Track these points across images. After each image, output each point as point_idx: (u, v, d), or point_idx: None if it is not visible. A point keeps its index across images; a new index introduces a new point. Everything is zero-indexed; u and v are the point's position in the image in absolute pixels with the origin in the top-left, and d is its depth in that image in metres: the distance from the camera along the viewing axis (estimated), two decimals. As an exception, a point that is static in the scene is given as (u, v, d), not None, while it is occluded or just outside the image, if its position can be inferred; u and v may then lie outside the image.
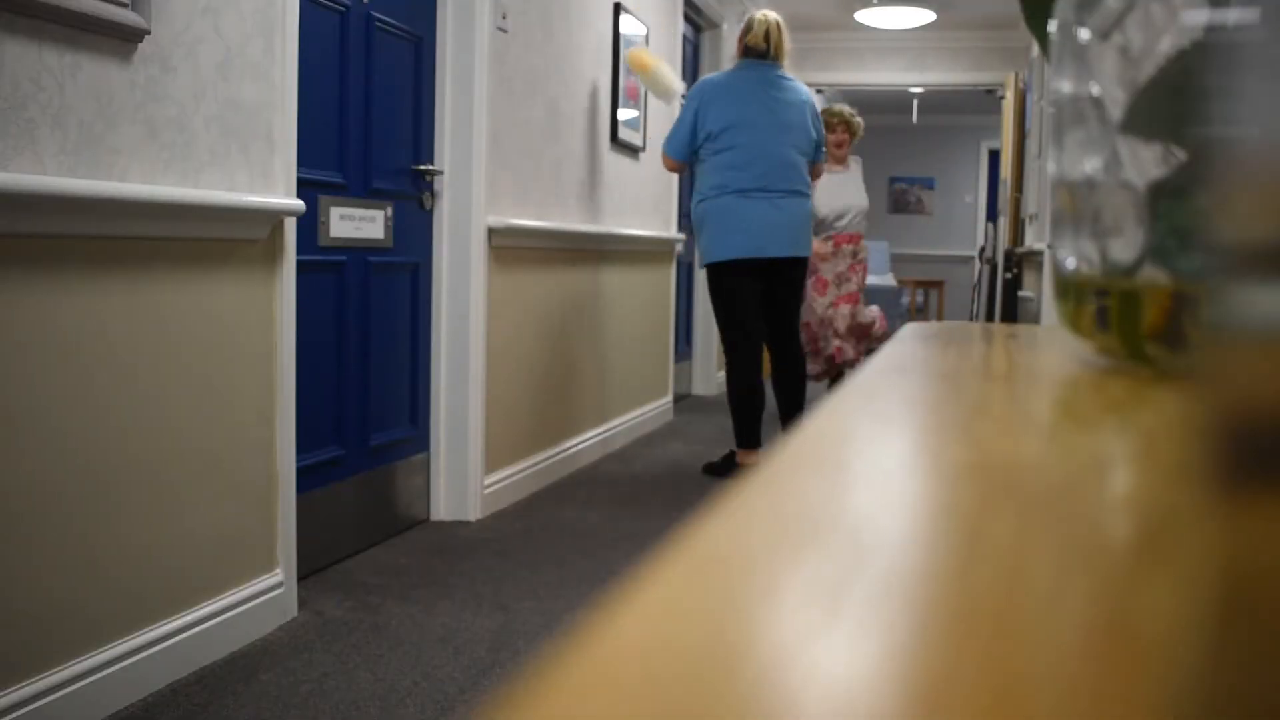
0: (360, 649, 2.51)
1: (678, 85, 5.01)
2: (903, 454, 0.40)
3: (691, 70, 6.87)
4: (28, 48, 1.89)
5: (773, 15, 4.38)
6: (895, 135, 12.02)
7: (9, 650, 1.91)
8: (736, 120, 4.21)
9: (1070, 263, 0.54)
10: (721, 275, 4.28)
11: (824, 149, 4.56)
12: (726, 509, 0.28)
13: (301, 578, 2.85)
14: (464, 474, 3.69)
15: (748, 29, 4.37)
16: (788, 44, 4.39)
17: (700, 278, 7.18)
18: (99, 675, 2.09)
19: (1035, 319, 6.26)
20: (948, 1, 7.72)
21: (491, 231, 3.73)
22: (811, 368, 5.96)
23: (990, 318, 7.30)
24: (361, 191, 3.21)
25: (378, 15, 3.21)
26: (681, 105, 4.49)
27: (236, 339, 2.47)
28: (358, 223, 3.18)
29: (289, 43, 2.61)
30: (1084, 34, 0.51)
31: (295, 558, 2.73)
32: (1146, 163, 0.49)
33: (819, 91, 10.34)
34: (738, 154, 4.21)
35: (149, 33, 2.14)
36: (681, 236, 6.25)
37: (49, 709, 1.97)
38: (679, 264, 6.47)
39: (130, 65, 2.13)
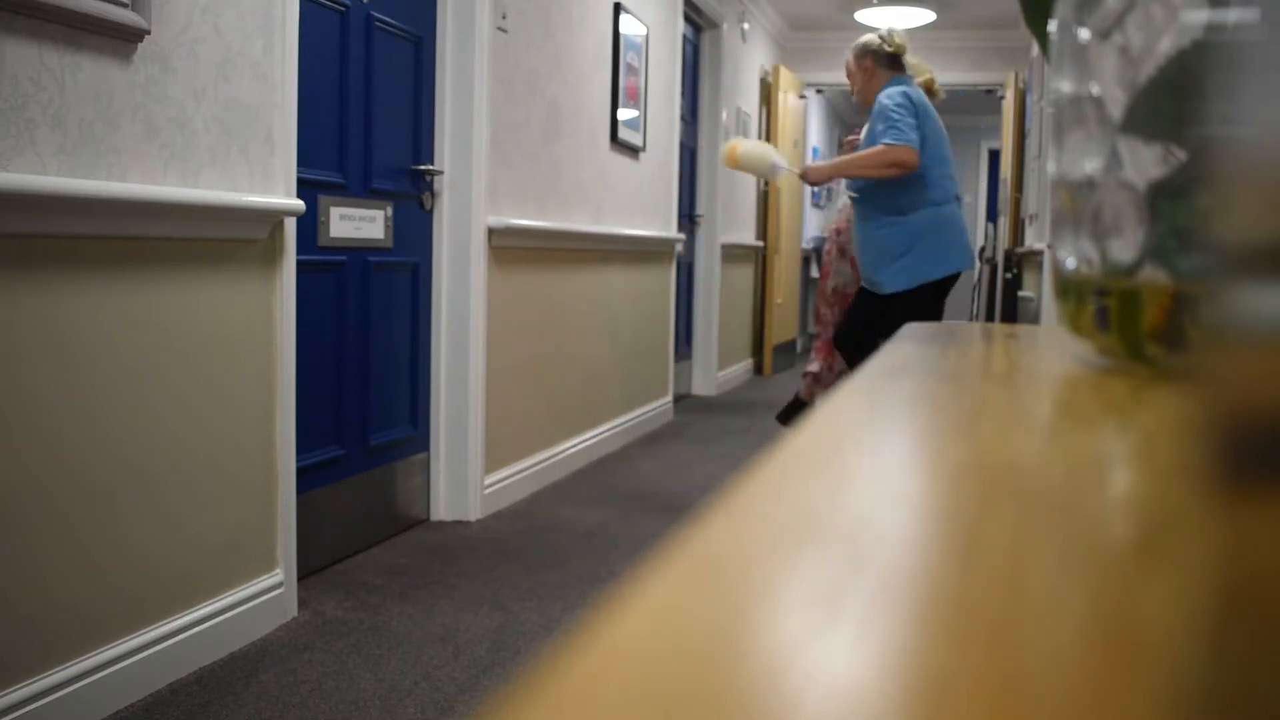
0: (360, 649, 2.51)
1: (778, 159, 4.52)
2: (903, 454, 0.40)
3: (691, 70, 6.87)
4: (28, 48, 1.89)
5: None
6: (895, 135, 12.00)
7: (9, 650, 1.91)
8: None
9: (1070, 263, 0.54)
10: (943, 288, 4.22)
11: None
12: (726, 509, 0.28)
13: (301, 578, 2.85)
14: (464, 474, 3.69)
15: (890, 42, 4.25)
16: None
17: (702, 277, 7.18)
18: (99, 675, 2.09)
19: (1035, 319, 6.26)
20: (948, 1, 7.72)
21: (491, 231, 3.73)
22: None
23: (990, 318, 7.30)
24: (361, 191, 3.21)
25: (378, 15, 3.21)
26: (895, 107, 4.10)
27: (236, 339, 2.47)
28: (358, 223, 3.18)
29: (289, 43, 2.61)
30: (1084, 34, 0.51)
31: (295, 558, 2.73)
32: (1146, 163, 0.49)
33: (819, 91, 10.34)
34: (950, 166, 4.15)
35: (149, 33, 2.14)
36: (681, 236, 6.25)
37: (49, 709, 1.97)
38: (679, 264, 6.47)
39: (130, 65, 2.13)
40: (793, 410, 5.01)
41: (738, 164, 4.44)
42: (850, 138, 4.83)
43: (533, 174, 4.13)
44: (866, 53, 4.26)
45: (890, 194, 4.13)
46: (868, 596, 0.21)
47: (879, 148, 4.03)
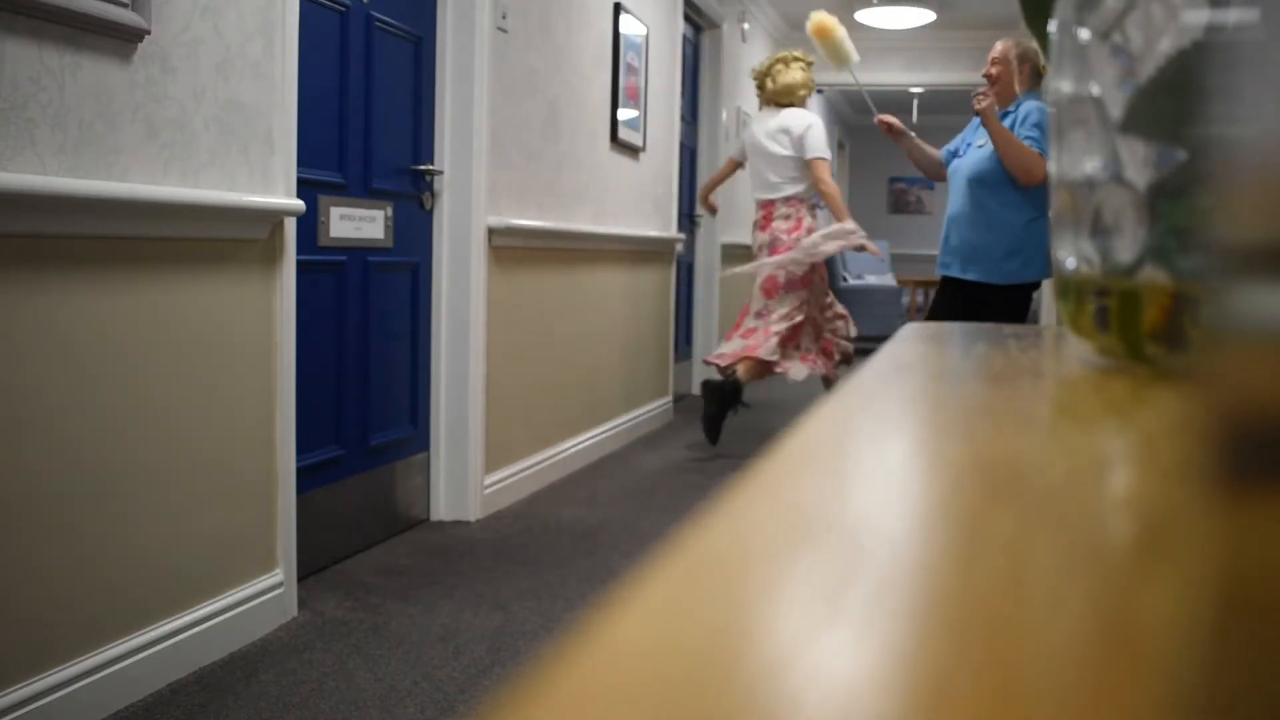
0: (360, 649, 2.51)
1: (855, 55, 4.94)
2: (903, 454, 0.40)
3: (691, 70, 6.87)
4: (28, 48, 1.89)
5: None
6: (895, 135, 12.02)
7: (9, 650, 1.91)
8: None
9: (1070, 263, 0.54)
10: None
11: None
12: (726, 509, 0.28)
13: (301, 578, 2.85)
14: (464, 474, 3.69)
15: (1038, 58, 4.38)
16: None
17: (702, 277, 7.18)
18: (99, 675, 2.09)
19: (1035, 319, 6.26)
20: (948, 1, 7.72)
21: (491, 231, 3.73)
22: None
23: (990, 318, 7.28)
24: (361, 191, 3.21)
25: (378, 15, 3.21)
26: (1035, 121, 4.29)
27: (237, 339, 2.47)
28: (358, 223, 3.18)
29: (289, 43, 2.61)
30: (1084, 34, 0.51)
31: (295, 558, 2.73)
32: (1146, 163, 0.49)
33: (819, 91, 10.34)
34: None
35: (149, 33, 2.14)
36: (681, 236, 6.24)
37: (49, 709, 1.97)
38: (679, 264, 6.47)
39: (130, 65, 2.13)
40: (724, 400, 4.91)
41: (827, 38, 4.67)
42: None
43: (533, 174, 4.13)
44: (1027, 59, 4.36)
45: (1038, 191, 4.31)
46: (868, 596, 0.21)
47: (1037, 152, 4.17)
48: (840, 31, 4.75)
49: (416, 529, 3.56)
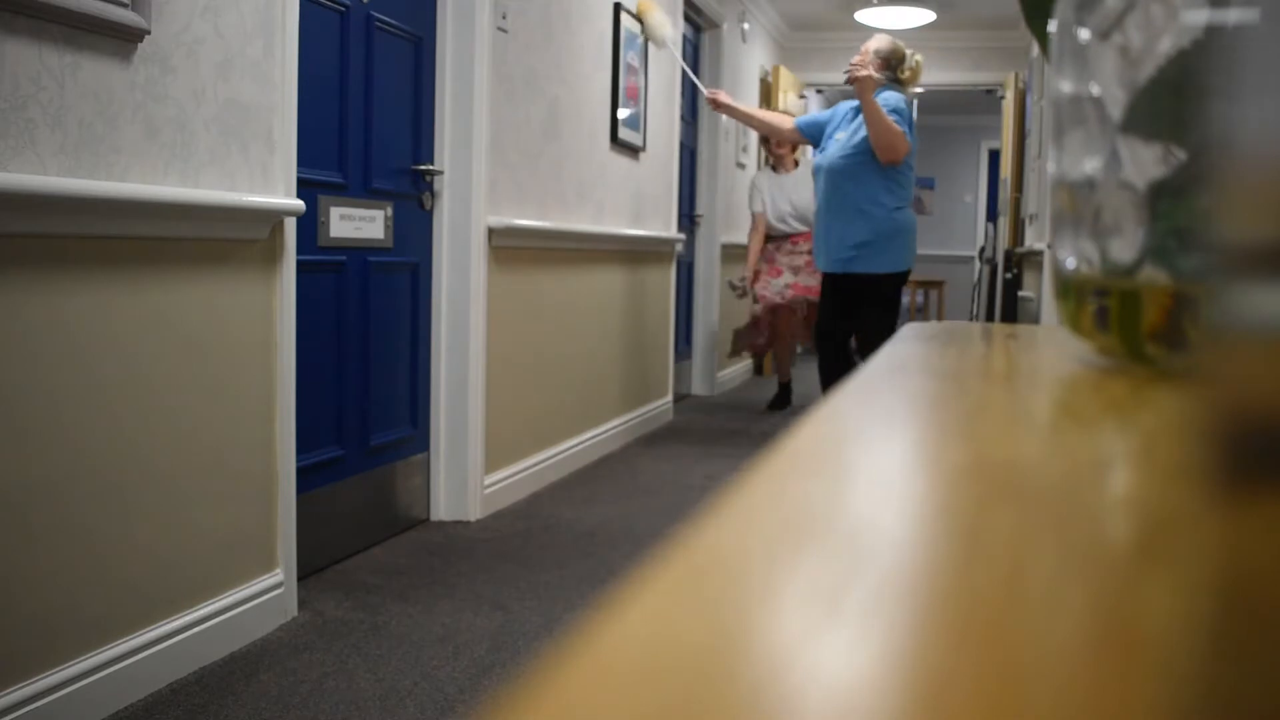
0: (360, 649, 2.51)
1: (670, 34, 5.19)
2: (903, 454, 0.40)
3: (691, 70, 6.86)
4: (28, 48, 1.89)
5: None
6: (895, 135, 12.00)
7: (9, 650, 1.91)
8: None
9: (1070, 263, 0.54)
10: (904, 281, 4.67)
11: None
12: (726, 509, 0.28)
13: (301, 578, 2.85)
14: (464, 474, 3.69)
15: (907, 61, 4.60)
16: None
17: (702, 277, 7.18)
18: (99, 675, 2.09)
19: (1035, 319, 6.27)
20: (948, 1, 7.73)
21: (491, 231, 3.73)
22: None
23: (990, 318, 7.31)
24: (361, 191, 3.21)
25: (378, 15, 3.21)
26: (894, 107, 4.44)
27: (237, 339, 2.47)
28: (358, 223, 3.18)
29: (289, 43, 2.61)
30: (1084, 34, 0.51)
31: (295, 558, 2.73)
32: (1146, 163, 0.49)
33: (819, 91, 10.34)
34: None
35: (149, 33, 2.14)
36: (681, 236, 6.24)
37: (49, 709, 1.97)
38: (679, 264, 6.46)
39: (130, 65, 2.13)
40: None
41: (644, 16, 4.91)
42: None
43: (533, 174, 4.13)
44: (881, 57, 4.54)
45: (900, 182, 4.49)
46: (868, 596, 0.21)
47: (902, 131, 4.35)
48: (655, 14, 4.96)
49: (416, 529, 3.56)
